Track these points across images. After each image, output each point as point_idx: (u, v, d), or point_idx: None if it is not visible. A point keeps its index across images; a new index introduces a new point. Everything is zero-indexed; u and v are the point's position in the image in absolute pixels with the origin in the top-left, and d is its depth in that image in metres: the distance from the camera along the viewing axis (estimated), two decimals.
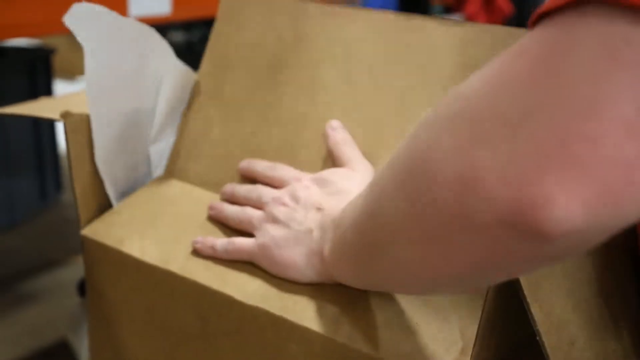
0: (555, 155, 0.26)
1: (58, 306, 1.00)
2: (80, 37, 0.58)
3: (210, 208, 0.58)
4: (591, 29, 0.26)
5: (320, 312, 0.48)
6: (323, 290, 0.49)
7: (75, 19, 0.57)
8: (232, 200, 0.58)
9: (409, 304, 0.48)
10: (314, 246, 0.49)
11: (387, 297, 0.48)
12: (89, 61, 0.59)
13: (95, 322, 0.64)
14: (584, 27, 0.26)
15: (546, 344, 0.37)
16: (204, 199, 0.63)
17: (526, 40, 0.28)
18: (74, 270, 1.10)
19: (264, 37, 0.63)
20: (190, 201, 0.63)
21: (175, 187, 0.65)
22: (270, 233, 0.51)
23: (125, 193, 0.66)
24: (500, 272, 0.32)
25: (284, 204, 0.52)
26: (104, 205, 0.64)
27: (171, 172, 0.66)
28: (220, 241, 0.54)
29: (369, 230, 0.39)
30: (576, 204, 0.26)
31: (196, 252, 0.55)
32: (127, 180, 0.66)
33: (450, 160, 0.29)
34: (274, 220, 0.51)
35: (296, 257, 0.49)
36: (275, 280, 0.51)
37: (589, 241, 0.28)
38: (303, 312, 0.48)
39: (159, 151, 0.68)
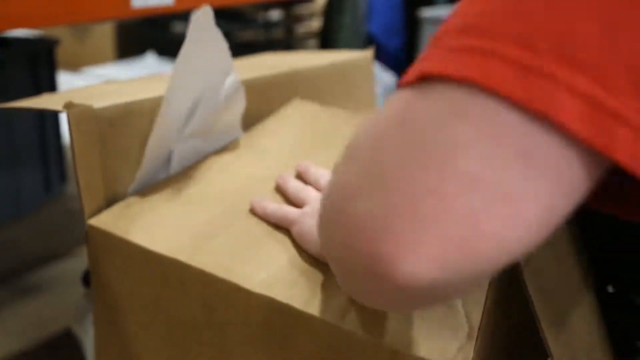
0: (404, 211, 0.27)
1: (63, 298, 1.00)
2: (191, 34, 0.63)
3: (254, 204, 0.60)
4: (440, 96, 0.27)
5: (327, 301, 0.47)
6: (330, 279, 0.49)
7: (200, 16, 0.63)
8: (283, 194, 0.62)
9: None
10: None
11: None
12: (185, 55, 0.63)
13: (101, 312, 0.64)
14: (435, 94, 0.28)
15: (547, 335, 0.37)
16: (213, 194, 0.63)
17: (395, 97, 0.30)
18: (79, 262, 1.10)
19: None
20: (202, 196, 0.63)
21: (185, 184, 0.65)
22: (313, 208, 0.55)
23: (143, 185, 0.66)
24: (385, 306, 0.34)
25: None
26: (110, 197, 0.64)
27: None
28: (271, 204, 0.59)
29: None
30: (425, 260, 0.27)
31: (208, 239, 0.57)
32: (153, 172, 0.67)
33: (338, 206, 0.30)
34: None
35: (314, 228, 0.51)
36: (282, 270, 0.51)
37: (454, 290, 0.29)
38: (310, 301, 0.48)
39: (182, 151, 0.69)
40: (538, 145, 0.26)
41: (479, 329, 0.40)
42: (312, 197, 0.58)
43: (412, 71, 0.29)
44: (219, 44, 0.67)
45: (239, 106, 0.73)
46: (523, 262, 0.38)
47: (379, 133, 0.29)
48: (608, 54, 0.25)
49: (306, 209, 0.57)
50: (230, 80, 0.71)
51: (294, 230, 0.56)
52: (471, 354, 0.42)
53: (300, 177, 0.64)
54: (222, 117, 0.71)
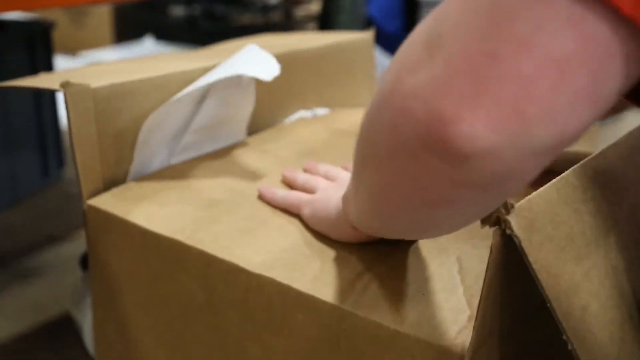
0: (461, 73, 0.27)
1: (61, 281, 1.00)
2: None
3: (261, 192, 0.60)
4: None
5: (327, 281, 0.47)
6: (330, 261, 0.49)
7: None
8: (292, 185, 0.62)
9: (417, 275, 0.47)
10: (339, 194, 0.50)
11: (395, 268, 0.48)
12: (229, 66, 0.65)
13: (99, 293, 0.64)
14: None
15: (557, 311, 0.36)
16: (216, 182, 0.63)
17: None
18: (77, 246, 1.10)
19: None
20: (204, 183, 0.63)
21: (188, 172, 0.65)
22: (326, 190, 0.55)
23: (143, 171, 0.66)
24: (436, 202, 0.33)
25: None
26: (108, 177, 0.63)
27: None
28: (280, 190, 0.59)
29: (356, 163, 0.41)
30: (481, 120, 0.27)
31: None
32: (151, 157, 0.66)
33: (390, 87, 0.31)
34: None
35: (330, 201, 0.52)
36: (283, 253, 0.51)
37: (509, 167, 0.29)
38: (310, 282, 0.47)
39: (188, 143, 0.68)
40: (589, 14, 0.26)
41: (477, 312, 0.40)
42: (322, 186, 0.58)
43: None
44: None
45: (249, 103, 0.73)
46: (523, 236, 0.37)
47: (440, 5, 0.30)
48: None
49: (317, 194, 0.56)
50: (244, 80, 0.70)
51: (306, 212, 0.55)
52: (469, 338, 0.41)
53: (307, 172, 0.63)
54: (231, 115, 0.71)
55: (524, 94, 0.27)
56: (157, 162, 0.67)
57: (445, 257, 0.49)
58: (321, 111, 0.84)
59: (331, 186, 0.56)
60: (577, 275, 0.39)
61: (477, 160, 0.28)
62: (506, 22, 0.27)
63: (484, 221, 0.36)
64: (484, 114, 0.27)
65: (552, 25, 0.26)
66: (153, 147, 0.66)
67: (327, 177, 0.60)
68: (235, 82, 0.69)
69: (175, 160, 0.68)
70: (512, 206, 0.36)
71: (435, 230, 0.41)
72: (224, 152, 0.71)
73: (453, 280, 0.47)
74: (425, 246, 0.51)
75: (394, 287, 0.46)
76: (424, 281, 0.47)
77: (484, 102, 0.27)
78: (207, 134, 0.70)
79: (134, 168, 0.65)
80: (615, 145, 0.47)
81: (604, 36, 0.26)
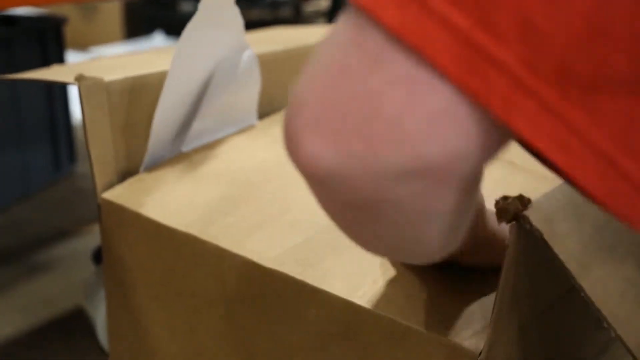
0: (311, 94, 0.27)
1: (72, 276, 1.00)
2: (203, 6, 0.61)
3: None
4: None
5: (340, 277, 0.47)
6: (342, 256, 0.49)
7: None
8: None
9: (432, 273, 0.47)
10: None
11: (410, 268, 0.48)
12: (192, 28, 0.61)
13: (113, 287, 0.64)
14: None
15: (592, 298, 0.36)
16: (226, 173, 0.63)
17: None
18: (88, 240, 1.10)
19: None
20: (216, 173, 0.63)
21: (199, 162, 0.65)
22: None
23: (155, 161, 0.65)
24: (350, 222, 0.33)
25: None
26: (122, 170, 0.64)
27: None
28: None
29: None
30: (323, 141, 0.27)
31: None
32: (163, 148, 0.66)
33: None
34: None
35: None
36: (296, 247, 0.51)
37: (371, 190, 0.28)
38: (323, 277, 0.47)
39: (198, 129, 0.68)
40: (417, 74, 0.25)
41: (493, 307, 0.40)
42: None
43: None
44: (233, 18, 0.66)
45: (255, 83, 0.72)
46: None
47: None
48: None
49: None
50: (246, 56, 0.70)
51: None
52: (484, 337, 0.41)
53: None
54: (239, 94, 0.71)
55: (369, 112, 0.26)
56: (169, 151, 0.67)
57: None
58: None
59: None
60: (609, 263, 0.39)
61: (331, 182, 0.28)
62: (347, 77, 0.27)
63: (501, 217, 0.36)
64: (326, 134, 0.27)
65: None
66: (164, 135, 0.65)
67: None
68: (237, 63, 0.68)
69: (187, 148, 0.68)
70: (529, 201, 0.36)
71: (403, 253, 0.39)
72: (233, 139, 0.70)
73: (470, 284, 0.47)
74: None
75: (408, 283, 0.45)
76: (438, 284, 0.46)
77: (327, 121, 0.27)
78: (217, 119, 0.69)
79: (147, 157, 0.65)
80: None
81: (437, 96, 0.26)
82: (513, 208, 0.35)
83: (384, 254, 0.44)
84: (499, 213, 0.36)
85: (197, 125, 0.68)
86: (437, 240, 0.33)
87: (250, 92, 0.72)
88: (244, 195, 0.59)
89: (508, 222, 0.36)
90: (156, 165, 0.65)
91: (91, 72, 0.62)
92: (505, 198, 0.36)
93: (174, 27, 2.11)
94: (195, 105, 0.67)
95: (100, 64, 0.73)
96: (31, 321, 0.90)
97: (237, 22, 0.67)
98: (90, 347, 0.81)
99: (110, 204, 0.60)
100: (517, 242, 0.36)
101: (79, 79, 0.59)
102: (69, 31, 1.43)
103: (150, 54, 0.82)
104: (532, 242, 0.36)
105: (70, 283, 0.99)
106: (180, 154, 0.67)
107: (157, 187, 0.61)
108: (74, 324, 0.88)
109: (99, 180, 0.62)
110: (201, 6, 0.61)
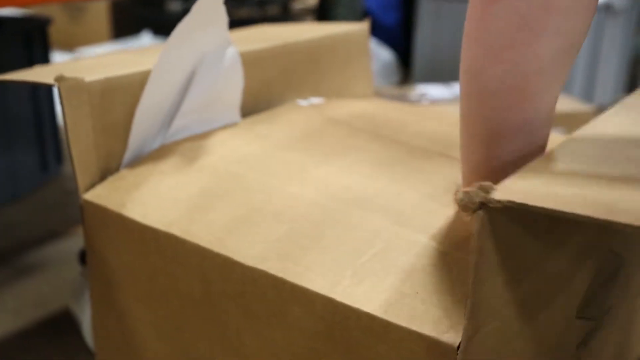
0: None
1: (61, 277, 1.00)
2: (197, 6, 0.63)
3: None
4: None
5: (321, 273, 0.47)
6: (325, 250, 0.49)
7: None
8: None
9: (413, 273, 0.47)
10: None
11: (391, 261, 0.48)
12: (183, 27, 0.63)
13: (98, 288, 0.64)
14: None
15: None
16: (208, 165, 0.63)
17: None
18: (76, 241, 1.10)
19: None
20: (192, 170, 0.63)
21: (180, 154, 0.65)
22: None
23: (136, 157, 0.66)
24: None
25: None
26: (104, 171, 0.63)
27: None
28: None
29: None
30: None
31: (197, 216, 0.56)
32: (144, 144, 0.66)
33: None
34: None
35: None
36: (276, 243, 0.51)
37: None
38: (303, 274, 0.47)
39: (179, 126, 0.68)
40: None
41: (468, 300, 0.40)
42: None
43: None
44: (219, 16, 0.67)
45: (238, 81, 0.72)
46: None
47: None
48: None
49: None
50: (229, 54, 0.70)
51: None
52: (461, 332, 0.41)
53: None
54: (221, 92, 0.71)
55: None
56: (150, 147, 0.67)
57: (443, 256, 0.49)
58: (316, 100, 0.84)
59: None
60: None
61: None
62: None
63: (466, 208, 0.36)
64: None
65: None
66: (145, 132, 0.65)
67: None
68: (220, 60, 0.68)
69: (171, 133, 0.68)
70: (492, 186, 0.36)
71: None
72: (215, 134, 0.70)
73: (450, 282, 0.47)
74: (423, 244, 0.51)
75: (389, 280, 0.46)
76: (419, 280, 0.47)
77: None
78: (198, 116, 0.69)
79: (128, 153, 0.64)
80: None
81: None
82: (478, 197, 0.35)
83: None
84: (462, 206, 0.36)
85: (178, 122, 0.68)
86: None
87: (232, 90, 0.72)
88: (225, 187, 0.59)
89: (474, 212, 0.36)
90: (137, 160, 0.65)
91: (72, 72, 0.62)
92: (465, 192, 0.36)
93: (162, 27, 2.10)
94: (177, 103, 0.67)
95: (82, 64, 0.73)
96: (21, 322, 0.90)
97: (222, 20, 0.67)
98: (80, 347, 0.81)
99: (92, 205, 0.60)
100: (485, 233, 0.36)
101: (59, 79, 0.59)
102: (55, 32, 1.42)
103: (133, 53, 0.81)
104: (503, 228, 0.36)
105: (59, 284, 0.98)
106: (161, 147, 0.67)
107: (138, 184, 0.61)
108: (64, 325, 0.88)
109: (81, 181, 0.62)
110: (194, 7, 0.62)
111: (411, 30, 2.22)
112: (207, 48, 0.66)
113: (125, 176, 0.62)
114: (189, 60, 0.66)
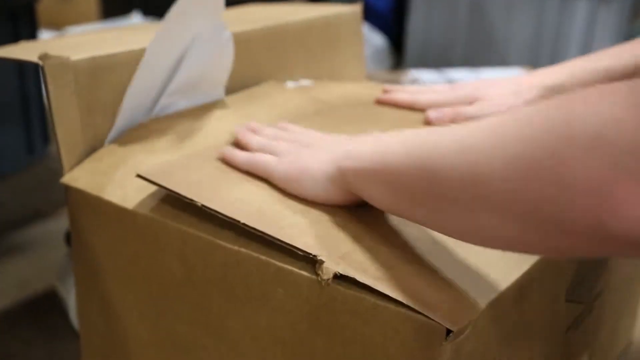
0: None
1: (46, 258, 0.99)
2: None
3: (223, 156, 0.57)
4: None
5: (306, 255, 0.46)
6: (307, 234, 0.48)
7: None
8: (245, 148, 0.59)
9: (402, 249, 0.47)
10: (330, 155, 0.51)
11: (379, 241, 0.47)
12: (174, 9, 0.61)
13: (81, 271, 0.63)
14: None
15: None
16: (190, 144, 0.62)
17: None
18: (63, 222, 1.09)
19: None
20: (170, 148, 0.62)
21: (161, 133, 0.64)
22: (291, 150, 0.54)
23: (118, 137, 0.65)
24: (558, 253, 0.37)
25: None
26: (92, 152, 0.63)
27: None
28: (243, 153, 0.56)
29: (449, 182, 0.38)
30: None
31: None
32: (130, 125, 0.65)
33: (594, 178, 0.31)
34: (299, 144, 0.56)
35: (312, 165, 0.51)
36: (263, 216, 0.50)
37: None
38: (288, 256, 0.47)
39: (164, 106, 0.67)
40: None
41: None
42: (283, 148, 0.55)
43: None
44: None
45: (227, 63, 0.71)
46: None
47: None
48: None
49: (288, 157, 0.54)
50: (222, 36, 0.69)
51: (279, 175, 0.53)
52: (454, 311, 0.41)
53: (280, 131, 0.61)
54: (209, 73, 0.70)
55: None
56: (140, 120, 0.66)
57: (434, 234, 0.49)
58: (305, 82, 0.83)
59: (301, 149, 0.54)
60: None
61: None
62: None
63: None
64: None
65: None
66: (132, 113, 0.64)
67: (298, 140, 0.57)
68: (211, 42, 0.67)
69: (156, 113, 0.67)
70: None
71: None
72: (196, 111, 0.68)
73: (440, 256, 0.46)
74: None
75: (376, 260, 0.45)
76: (409, 252, 0.46)
77: None
78: (183, 94, 0.68)
79: (112, 134, 0.63)
80: None
81: None
82: None
83: None
84: None
85: (163, 101, 0.66)
86: None
87: (221, 69, 0.71)
88: (207, 167, 0.58)
89: None
90: (116, 138, 0.64)
91: (59, 50, 0.60)
92: None
93: (152, 7, 2.08)
94: (165, 83, 0.66)
95: (68, 41, 0.72)
96: (4, 302, 0.89)
97: (219, 2, 0.66)
98: (65, 328, 0.81)
99: (72, 188, 0.59)
100: None
101: (44, 58, 0.57)
102: (43, 11, 1.40)
103: (121, 31, 0.80)
104: None
105: (45, 265, 0.98)
106: (141, 125, 0.65)
107: (116, 165, 0.60)
108: (47, 306, 0.87)
109: (67, 162, 0.61)
110: None
111: (404, 15, 2.21)
112: (200, 30, 0.65)
113: (103, 156, 0.61)
114: (181, 41, 0.65)
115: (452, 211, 0.39)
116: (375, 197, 0.46)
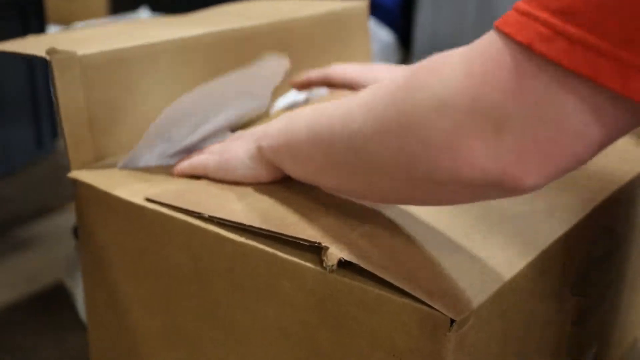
0: (530, 152, 0.35)
1: (54, 252, 0.99)
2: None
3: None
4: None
5: (312, 248, 0.47)
6: (312, 225, 0.48)
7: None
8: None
9: (405, 238, 0.47)
10: (252, 137, 0.56)
11: (381, 230, 0.48)
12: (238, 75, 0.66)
13: (89, 264, 0.63)
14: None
15: None
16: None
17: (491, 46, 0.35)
18: (71, 217, 1.09)
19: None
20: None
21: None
22: (223, 145, 0.59)
23: (132, 163, 0.63)
24: (453, 202, 0.42)
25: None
26: (98, 148, 0.63)
27: None
28: (184, 161, 0.60)
29: (338, 151, 0.44)
30: (541, 177, 0.36)
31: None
32: (146, 153, 0.63)
33: (446, 138, 0.36)
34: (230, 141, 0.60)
35: (237, 150, 0.56)
36: (267, 219, 0.50)
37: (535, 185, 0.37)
38: (294, 248, 0.47)
39: (184, 146, 0.64)
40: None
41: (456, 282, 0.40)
42: (216, 147, 0.60)
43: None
44: (273, 78, 0.70)
45: (259, 110, 0.73)
46: None
47: (490, 80, 0.36)
48: None
49: (214, 153, 0.58)
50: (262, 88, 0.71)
51: (212, 167, 0.57)
52: (459, 301, 0.41)
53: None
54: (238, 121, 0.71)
55: (565, 159, 0.35)
56: (152, 155, 0.63)
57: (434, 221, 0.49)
58: (321, 92, 0.82)
59: (230, 142, 0.59)
60: None
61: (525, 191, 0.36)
62: (558, 117, 0.34)
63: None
64: (543, 174, 0.36)
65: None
66: (151, 142, 0.62)
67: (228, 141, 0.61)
68: (252, 91, 0.69)
69: (169, 161, 0.64)
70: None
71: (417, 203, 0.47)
72: None
73: (445, 246, 0.47)
74: (415, 209, 0.51)
75: (380, 250, 0.45)
76: (413, 243, 0.46)
77: (545, 168, 0.35)
78: (207, 139, 0.66)
79: (129, 157, 0.62)
80: None
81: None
82: None
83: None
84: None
85: (187, 142, 0.64)
86: None
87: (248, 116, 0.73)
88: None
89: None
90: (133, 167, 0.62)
91: (67, 44, 0.61)
92: None
93: (160, 2, 2.08)
94: (196, 125, 0.64)
95: (76, 35, 0.72)
96: (13, 297, 0.89)
97: (272, 84, 0.71)
98: (73, 322, 0.81)
99: (80, 183, 0.60)
100: None
101: (51, 52, 0.58)
102: (51, 6, 1.41)
103: (129, 26, 0.81)
104: None
105: (53, 259, 0.98)
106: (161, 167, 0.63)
107: (130, 175, 0.61)
108: (56, 300, 0.88)
109: (74, 158, 0.61)
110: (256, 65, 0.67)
111: (411, 11, 2.21)
112: (239, 97, 0.68)
113: (117, 172, 0.61)
114: (231, 96, 0.66)
115: (350, 177, 0.45)
116: (289, 169, 0.52)
